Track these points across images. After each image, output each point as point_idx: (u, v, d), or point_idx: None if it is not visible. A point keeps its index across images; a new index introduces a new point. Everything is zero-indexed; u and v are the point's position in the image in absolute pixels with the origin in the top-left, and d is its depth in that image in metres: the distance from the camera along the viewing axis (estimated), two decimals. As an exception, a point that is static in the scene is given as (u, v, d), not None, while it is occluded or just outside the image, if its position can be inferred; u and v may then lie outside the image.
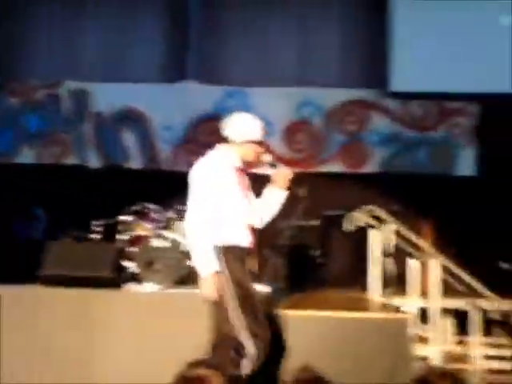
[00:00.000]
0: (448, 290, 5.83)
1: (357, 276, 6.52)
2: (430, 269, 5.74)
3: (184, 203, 4.16)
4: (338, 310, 5.11)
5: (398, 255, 6.07)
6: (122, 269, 5.61)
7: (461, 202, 8.78)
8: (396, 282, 6.06)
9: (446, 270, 5.82)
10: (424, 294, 5.78)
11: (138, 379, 4.96)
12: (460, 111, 9.67)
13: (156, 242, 5.66)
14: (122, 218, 6.26)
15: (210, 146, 4.29)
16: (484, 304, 5.51)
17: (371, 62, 9.64)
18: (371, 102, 9.70)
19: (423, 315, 5.71)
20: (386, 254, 6.09)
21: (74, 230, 6.94)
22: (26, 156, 9.87)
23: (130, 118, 9.83)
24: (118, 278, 5.40)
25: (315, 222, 7.73)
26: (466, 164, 9.57)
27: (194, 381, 2.99)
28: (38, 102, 9.94)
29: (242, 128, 4.15)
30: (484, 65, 9.32)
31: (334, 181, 9.05)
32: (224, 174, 4.09)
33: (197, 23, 9.93)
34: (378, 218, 6.23)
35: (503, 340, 5.62)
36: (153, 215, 6.28)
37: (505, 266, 7.89)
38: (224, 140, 4.19)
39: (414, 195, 8.48)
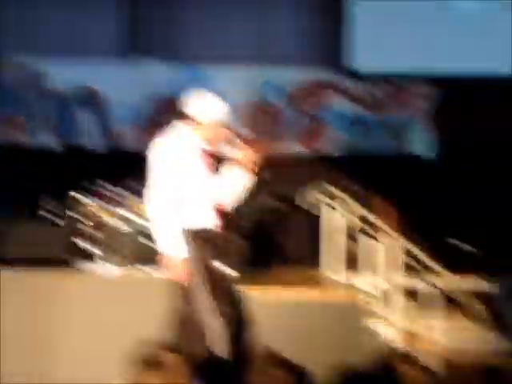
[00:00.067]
0: (407, 270, 5.84)
1: (314, 254, 6.55)
2: (387, 248, 5.75)
3: (141, 183, 4.04)
4: (291, 288, 5.15)
5: (352, 233, 6.08)
6: (76, 249, 5.51)
7: (418, 182, 8.87)
8: (348, 260, 6.07)
9: (404, 249, 5.83)
10: (380, 272, 5.78)
11: (94, 357, 4.90)
12: (418, 94, 9.72)
13: (112, 222, 5.58)
14: (73, 194, 6.10)
15: (167, 124, 4.15)
16: (442, 283, 5.53)
17: (332, 43, 9.64)
18: (331, 82, 9.67)
19: (382, 296, 5.71)
20: (338, 232, 6.11)
21: (24, 210, 6.77)
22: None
23: (84, 96, 9.65)
24: (70, 258, 5.31)
25: (275, 203, 7.74)
26: (423, 146, 9.64)
27: (155, 363, 2.92)
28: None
29: (207, 108, 4.04)
30: (446, 48, 9.37)
31: (293, 162, 9.04)
32: (186, 153, 3.97)
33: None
34: (331, 196, 6.23)
35: (464, 321, 5.67)
36: (108, 194, 6.17)
37: (454, 241, 8.02)
38: (183, 118, 4.06)
39: (372, 176, 8.52)
